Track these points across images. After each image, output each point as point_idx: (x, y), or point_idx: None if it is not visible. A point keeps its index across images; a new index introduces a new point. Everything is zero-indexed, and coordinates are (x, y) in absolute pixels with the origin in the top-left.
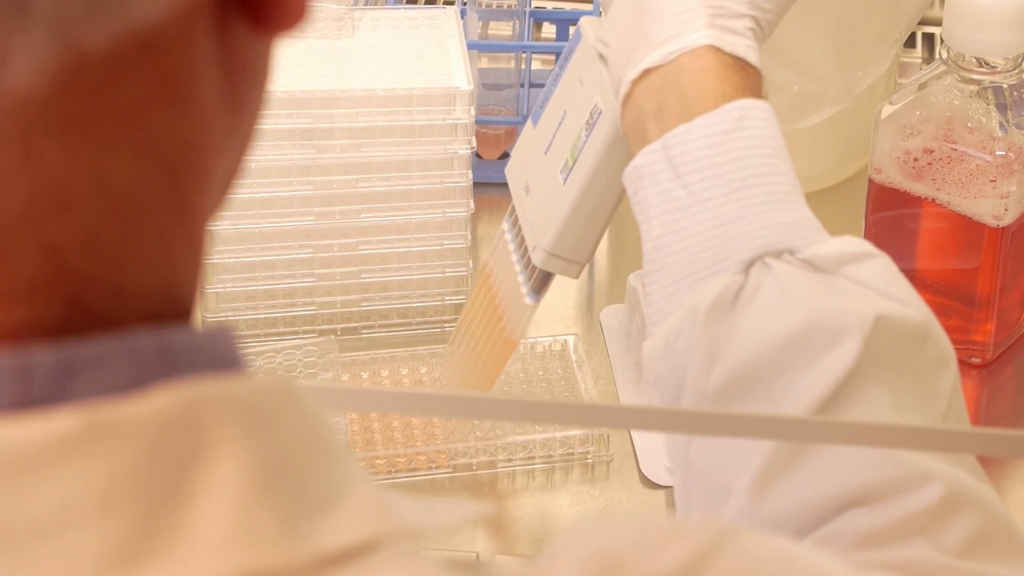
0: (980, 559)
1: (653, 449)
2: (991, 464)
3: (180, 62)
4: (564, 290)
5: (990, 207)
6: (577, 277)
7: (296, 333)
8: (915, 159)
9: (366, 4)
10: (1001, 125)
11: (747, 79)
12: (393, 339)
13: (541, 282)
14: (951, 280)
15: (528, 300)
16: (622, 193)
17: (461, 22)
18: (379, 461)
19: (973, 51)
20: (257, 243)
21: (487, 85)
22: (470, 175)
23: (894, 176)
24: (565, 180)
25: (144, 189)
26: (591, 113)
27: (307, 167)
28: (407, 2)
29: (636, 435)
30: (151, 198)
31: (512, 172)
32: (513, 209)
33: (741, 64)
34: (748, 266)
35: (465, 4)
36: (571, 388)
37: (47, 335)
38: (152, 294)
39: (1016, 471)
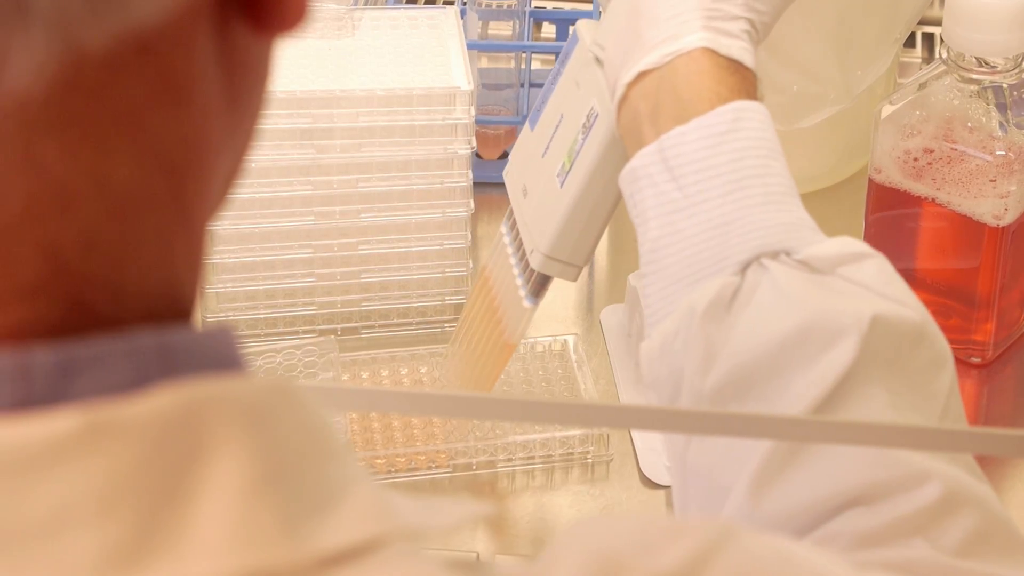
0: (979, 558)
1: (653, 449)
2: (991, 464)
3: (180, 62)
4: (564, 290)
5: (990, 207)
6: (575, 280)
7: (296, 333)
8: (915, 159)
9: (366, 4)
10: (1001, 125)
11: (742, 81)
12: (393, 339)
13: (539, 285)
14: (951, 280)
15: (526, 303)
16: (619, 196)
17: (461, 22)
18: (379, 461)
19: (973, 51)
20: (257, 243)
21: (487, 85)
22: (470, 175)
23: (894, 176)
24: (562, 183)
25: (144, 189)
26: (587, 116)
27: (307, 167)
28: (407, 2)
29: (636, 435)
30: (151, 198)
31: (510, 175)
32: (511, 212)
33: (736, 66)
34: (744, 267)
35: (465, 4)
36: (571, 388)
37: (47, 335)
38: (152, 294)
39: (1016, 471)
